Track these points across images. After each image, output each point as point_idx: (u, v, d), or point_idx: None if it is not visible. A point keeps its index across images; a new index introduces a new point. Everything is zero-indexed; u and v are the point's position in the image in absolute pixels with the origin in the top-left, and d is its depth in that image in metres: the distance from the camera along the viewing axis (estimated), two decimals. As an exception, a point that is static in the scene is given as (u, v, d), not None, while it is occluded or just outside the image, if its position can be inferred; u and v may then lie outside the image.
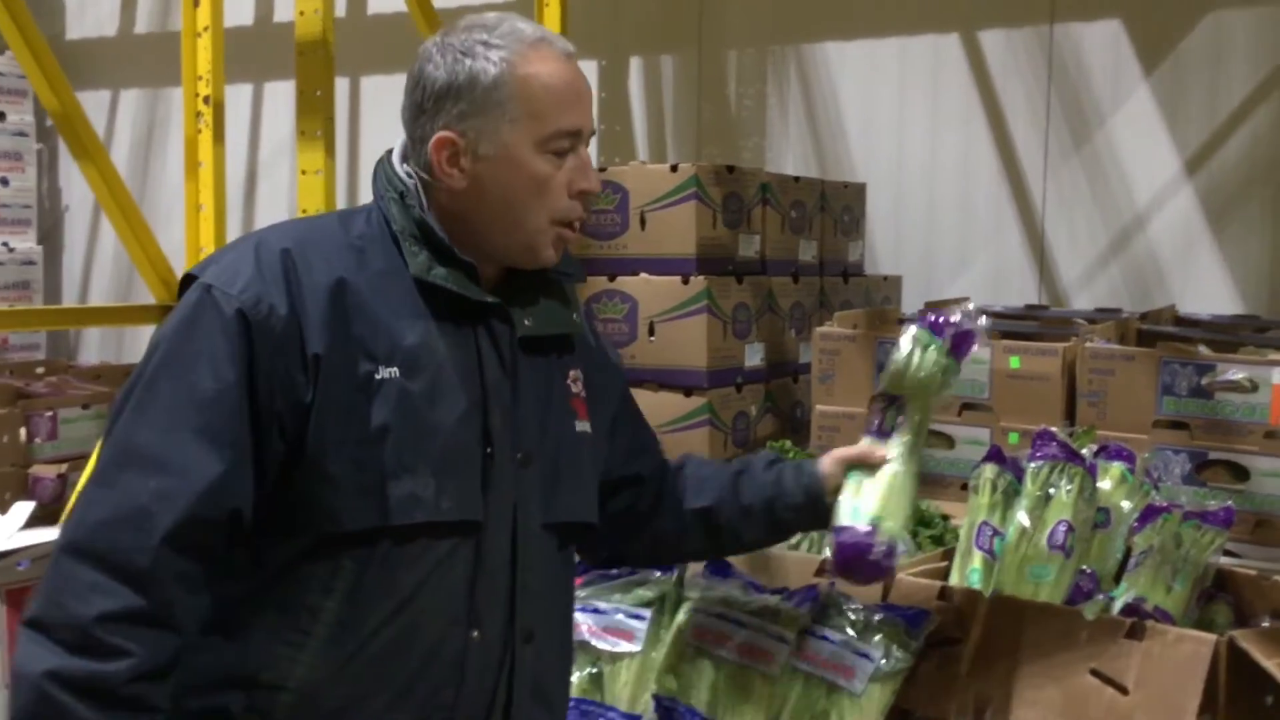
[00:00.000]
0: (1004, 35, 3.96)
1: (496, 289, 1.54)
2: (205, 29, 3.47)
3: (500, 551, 1.49)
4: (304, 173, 3.39)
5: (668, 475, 1.83)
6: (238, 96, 5.28)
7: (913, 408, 1.84)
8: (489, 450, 1.47)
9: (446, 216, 1.51)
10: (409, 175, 1.52)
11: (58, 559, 1.33)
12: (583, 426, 1.62)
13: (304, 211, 3.40)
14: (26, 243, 5.93)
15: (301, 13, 3.34)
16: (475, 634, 1.47)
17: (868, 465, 1.78)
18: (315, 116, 3.36)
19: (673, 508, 1.80)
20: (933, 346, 1.85)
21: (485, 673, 1.48)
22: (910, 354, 1.85)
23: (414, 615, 1.43)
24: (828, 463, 1.81)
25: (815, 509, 1.78)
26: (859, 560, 1.73)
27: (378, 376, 1.41)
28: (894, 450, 1.80)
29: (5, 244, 5.83)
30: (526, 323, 1.54)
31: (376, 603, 1.41)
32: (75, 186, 6.29)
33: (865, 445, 1.82)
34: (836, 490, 1.77)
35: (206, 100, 3.48)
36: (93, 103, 5.60)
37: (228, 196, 3.59)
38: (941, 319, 1.86)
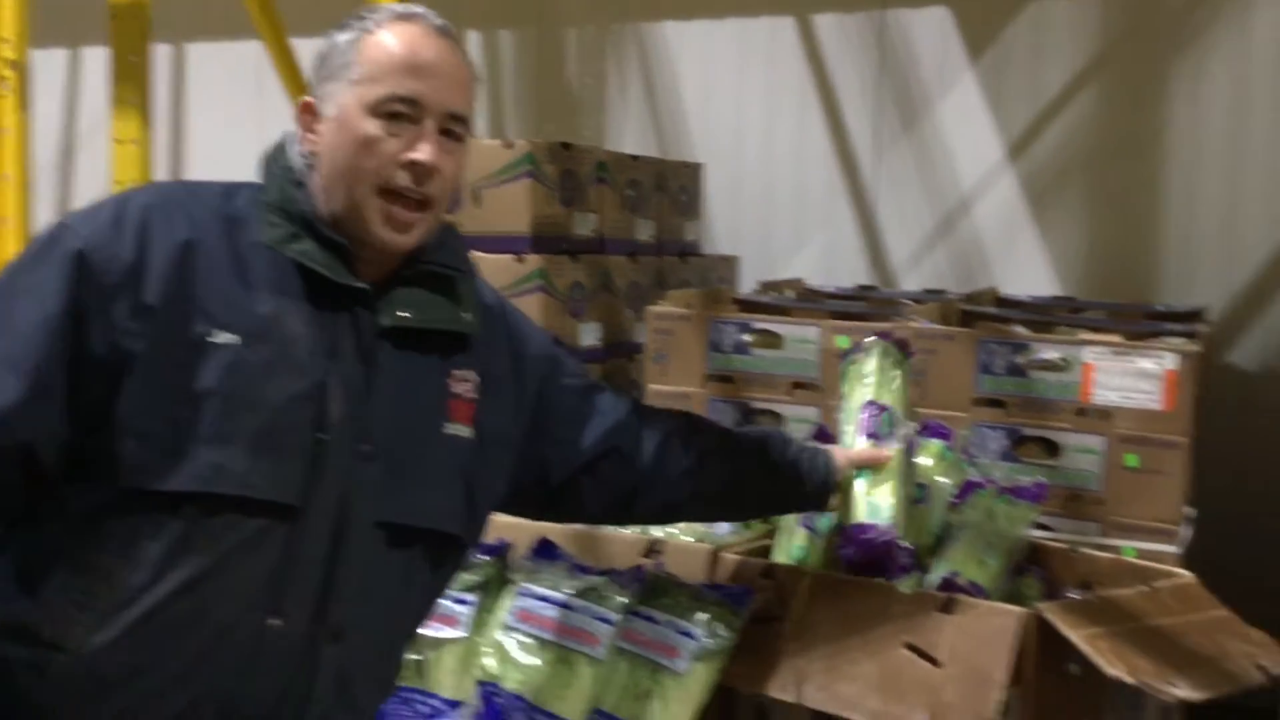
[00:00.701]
0: (837, 20, 4.02)
1: (382, 279, 1.50)
2: (8, -13, 3.25)
3: (317, 542, 1.43)
4: (119, 142, 3.23)
5: (652, 443, 1.78)
6: (52, 62, 5.01)
7: (900, 414, 1.97)
8: (321, 437, 1.42)
9: (321, 197, 1.49)
10: (302, 155, 1.51)
11: None
12: (457, 430, 1.56)
13: (119, 184, 3.24)
14: None
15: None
16: (275, 623, 1.41)
17: (874, 467, 1.88)
18: (130, 84, 3.21)
19: (668, 479, 1.79)
20: (904, 363, 2.05)
21: (281, 665, 1.42)
22: (882, 367, 2.02)
23: (208, 592, 1.37)
24: (839, 459, 1.88)
25: (821, 500, 1.90)
26: (883, 559, 1.85)
27: (211, 340, 1.37)
28: (894, 453, 1.91)
29: None
30: (402, 314, 1.49)
31: (171, 573, 1.36)
32: None
33: (871, 449, 1.91)
34: (841, 486, 1.88)
35: (11, 64, 3.27)
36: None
37: (43, 166, 3.40)
38: (894, 336, 2.08)
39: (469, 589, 2.07)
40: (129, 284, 1.36)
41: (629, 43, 4.34)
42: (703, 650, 1.91)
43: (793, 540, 2.13)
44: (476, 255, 3.11)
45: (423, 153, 1.45)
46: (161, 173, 4.67)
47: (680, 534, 2.19)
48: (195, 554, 1.36)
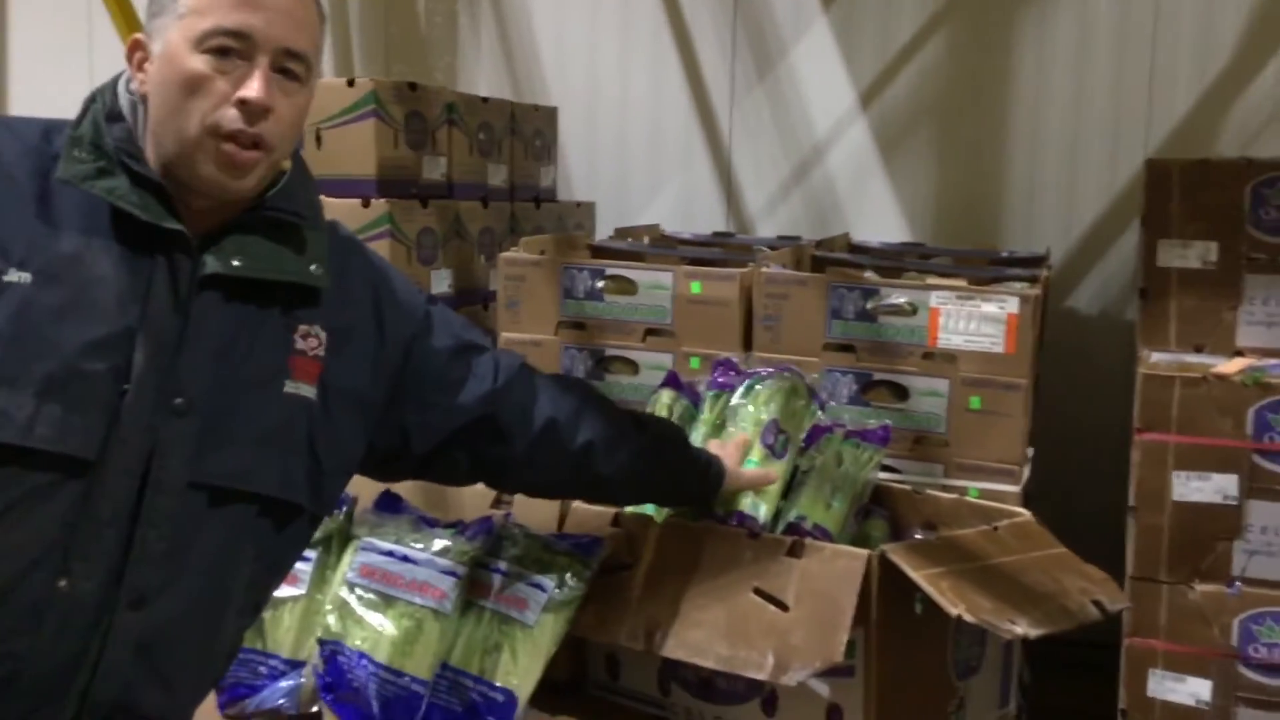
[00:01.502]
0: (694, -38, 3.97)
1: (216, 226, 1.41)
2: None
3: (116, 500, 1.34)
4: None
5: (535, 418, 1.72)
6: None
7: (795, 439, 2.11)
8: (125, 388, 1.33)
9: (149, 138, 1.40)
10: (128, 94, 1.43)
11: None
12: (299, 389, 1.47)
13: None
14: None
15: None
16: (63, 583, 1.32)
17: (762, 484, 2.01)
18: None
19: (545, 459, 1.74)
20: (801, 389, 2.16)
21: (70, 629, 1.33)
22: (789, 397, 2.12)
23: None
24: (730, 476, 1.95)
25: (704, 504, 1.97)
26: None
27: (3, 278, 1.30)
28: (781, 469, 2.05)
29: None
30: (235, 263, 1.40)
31: None
32: None
33: (762, 470, 2.01)
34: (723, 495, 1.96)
35: None
36: None
37: None
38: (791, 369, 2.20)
39: (310, 545, 2.00)
40: None
41: (481, -19, 4.22)
42: (552, 601, 1.89)
43: (643, 488, 2.12)
44: (322, 200, 3.03)
45: (252, 90, 1.35)
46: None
47: (530, 484, 2.15)
48: None
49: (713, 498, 1.94)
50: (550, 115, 3.83)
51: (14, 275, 1.30)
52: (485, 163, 3.46)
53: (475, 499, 2.11)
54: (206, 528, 1.41)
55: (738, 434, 2.03)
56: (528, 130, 3.68)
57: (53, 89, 4.29)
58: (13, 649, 1.30)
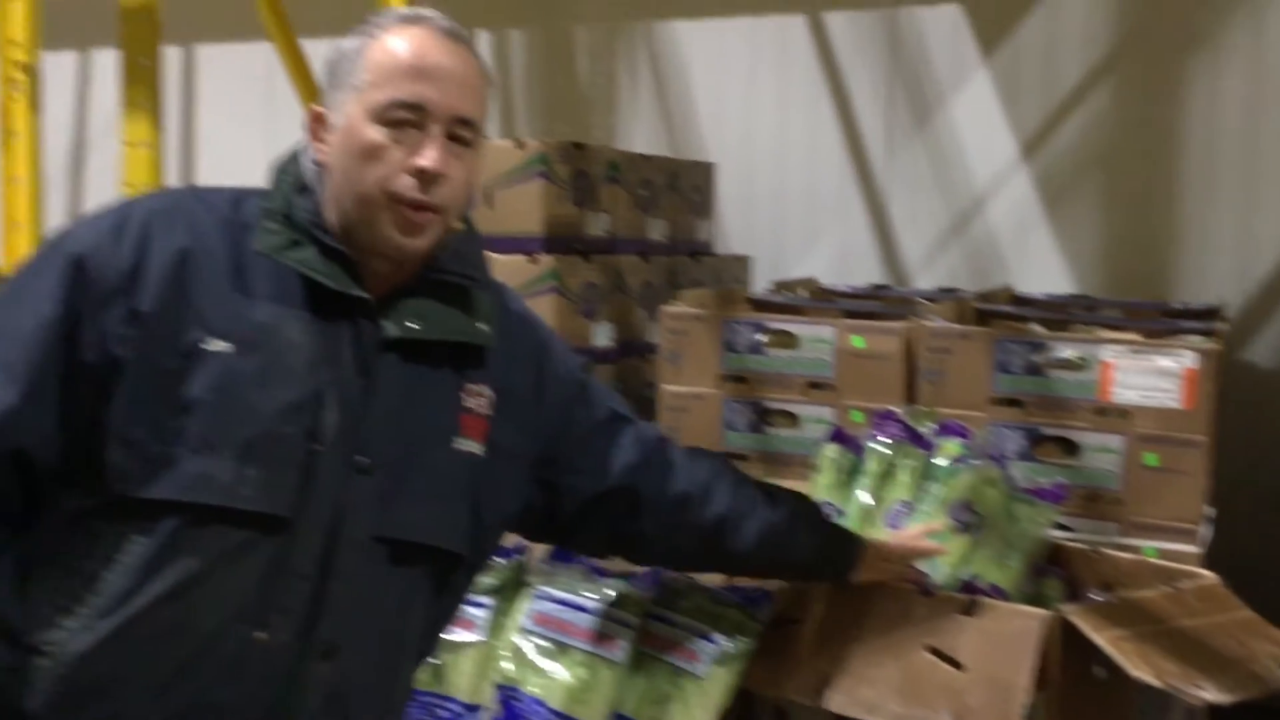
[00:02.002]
0: (849, 18, 4.00)
1: (391, 290, 1.47)
2: (19, -9, 3.25)
3: (309, 555, 1.40)
4: (130, 145, 3.22)
5: (671, 493, 1.74)
6: (62, 65, 5.01)
7: (985, 518, 2.09)
8: (315, 448, 1.39)
9: (330, 206, 1.47)
10: (313, 163, 1.49)
11: None
12: (467, 445, 1.52)
13: (130, 187, 3.24)
14: None
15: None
16: (261, 635, 1.38)
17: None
18: (141, 86, 3.20)
19: (678, 535, 1.76)
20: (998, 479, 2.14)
21: (267, 680, 1.39)
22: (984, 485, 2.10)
23: (193, 602, 1.35)
24: (871, 549, 1.88)
25: (839, 579, 1.90)
26: None
27: (204, 347, 1.36)
28: (962, 544, 2.03)
29: None
30: (410, 325, 1.46)
31: (156, 581, 1.34)
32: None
33: (929, 542, 1.97)
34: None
35: (22, 67, 3.27)
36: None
37: (51, 168, 3.40)
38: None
39: (486, 592, 2.06)
40: (124, 290, 1.36)
41: (639, 41, 4.33)
42: (722, 654, 1.90)
43: (811, 542, 2.12)
44: (489, 257, 3.13)
45: (427, 159, 1.41)
46: (172, 176, 4.67)
47: (698, 536, 2.17)
48: (180, 563, 1.35)
49: (848, 574, 1.86)
50: (708, 170, 3.89)
51: (216, 345, 1.36)
52: (645, 218, 3.53)
53: (644, 550, 2.14)
54: (387, 580, 1.46)
55: (925, 516, 2.03)
56: (686, 185, 3.74)
57: (236, 152, 4.55)
58: (215, 699, 1.36)
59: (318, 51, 4.31)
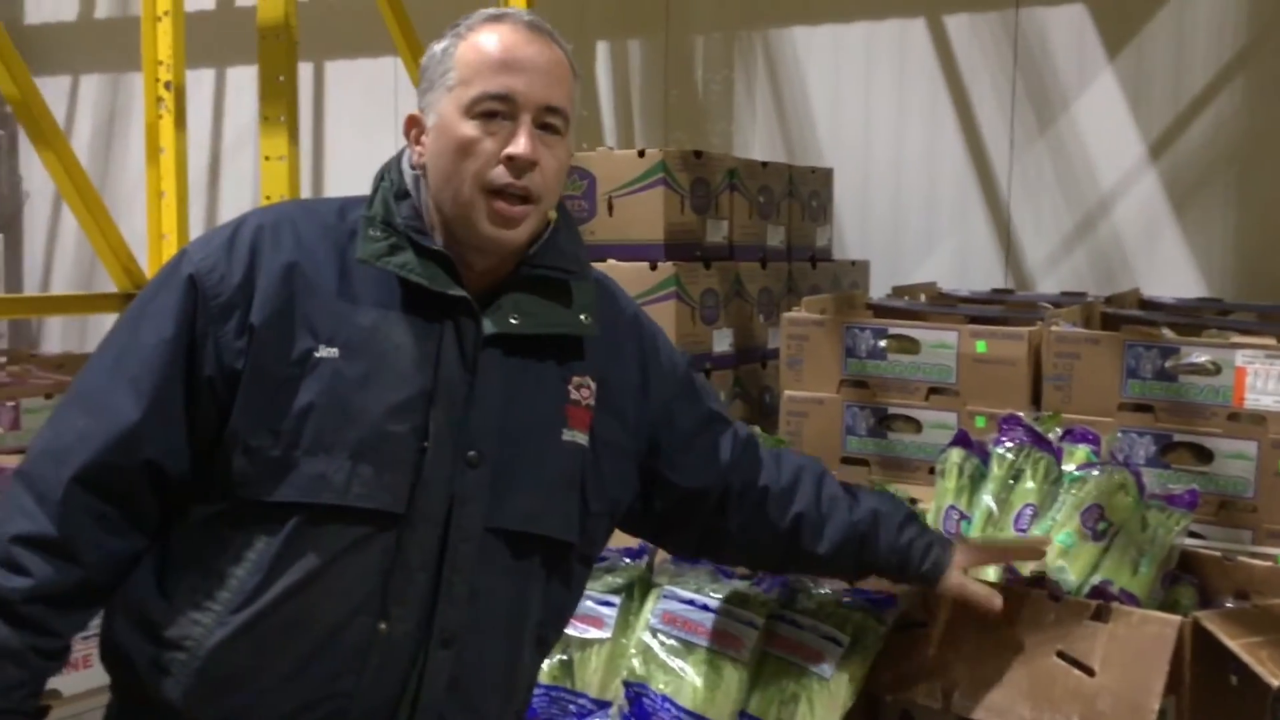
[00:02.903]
0: (969, 20, 3.97)
1: (492, 286, 1.51)
2: (165, 13, 3.42)
3: (425, 549, 1.45)
4: (267, 159, 3.36)
5: (755, 496, 1.76)
6: (200, 82, 5.23)
7: (1116, 525, 2.07)
8: (424, 445, 1.44)
9: (431, 206, 1.51)
10: (411, 168, 1.54)
11: (12, 478, 1.43)
12: (573, 437, 1.56)
13: (267, 198, 3.37)
14: (-14, 231, 5.87)
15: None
16: (383, 626, 1.44)
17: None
18: (278, 102, 3.33)
19: (763, 536, 1.78)
20: (1130, 485, 2.10)
21: (390, 668, 1.44)
22: (1116, 491, 2.07)
23: (316, 596, 1.41)
24: (959, 558, 1.84)
25: (926, 581, 1.86)
26: None
27: (316, 354, 1.42)
28: (1091, 552, 2.02)
29: (-36, 232, 5.76)
30: (512, 321, 1.50)
31: (281, 577, 1.41)
32: (36, 173, 6.20)
33: (1030, 540, 1.99)
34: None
35: (168, 86, 3.43)
36: (52, 89, 5.52)
37: (191, 183, 3.55)
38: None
39: (613, 591, 2.11)
40: (237, 304, 1.42)
41: (756, 48, 4.35)
42: (847, 656, 1.91)
43: (936, 546, 2.12)
44: (611, 264, 3.19)
45: (518, 146, 1.45)
46: (306, 188, 4.83)
47: (822, 539, 2.19)
48: (303, 559, 1.41)
49: (935, 579, 1.82)
50: (826, 176, 3.90)
51: (324, 351, 1.42)
52: (764, 225, 3.56)
53: (768, 552, 2.17)
54: (502, 569, 1.51)
55: (1053, 520, 2.02)
56: (804, 192, 3.76)
57: (362, 160, 4.69)
58: (342, 688, 1.42)
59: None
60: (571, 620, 2.08)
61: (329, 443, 1.40)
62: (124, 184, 5.65)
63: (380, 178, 1.55)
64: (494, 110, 1.45)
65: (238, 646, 1.41)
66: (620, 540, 2.24)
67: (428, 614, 1.45)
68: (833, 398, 2.87)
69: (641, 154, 3.18)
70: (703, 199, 3.29)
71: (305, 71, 4.93)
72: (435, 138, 1.49)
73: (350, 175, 4.90)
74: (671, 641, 1.99)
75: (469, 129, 1.45)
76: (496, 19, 1.50)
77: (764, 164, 3.61)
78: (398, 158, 1.56)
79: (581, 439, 1.56)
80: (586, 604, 2.10)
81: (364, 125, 5.02)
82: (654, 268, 3.15)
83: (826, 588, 2.01)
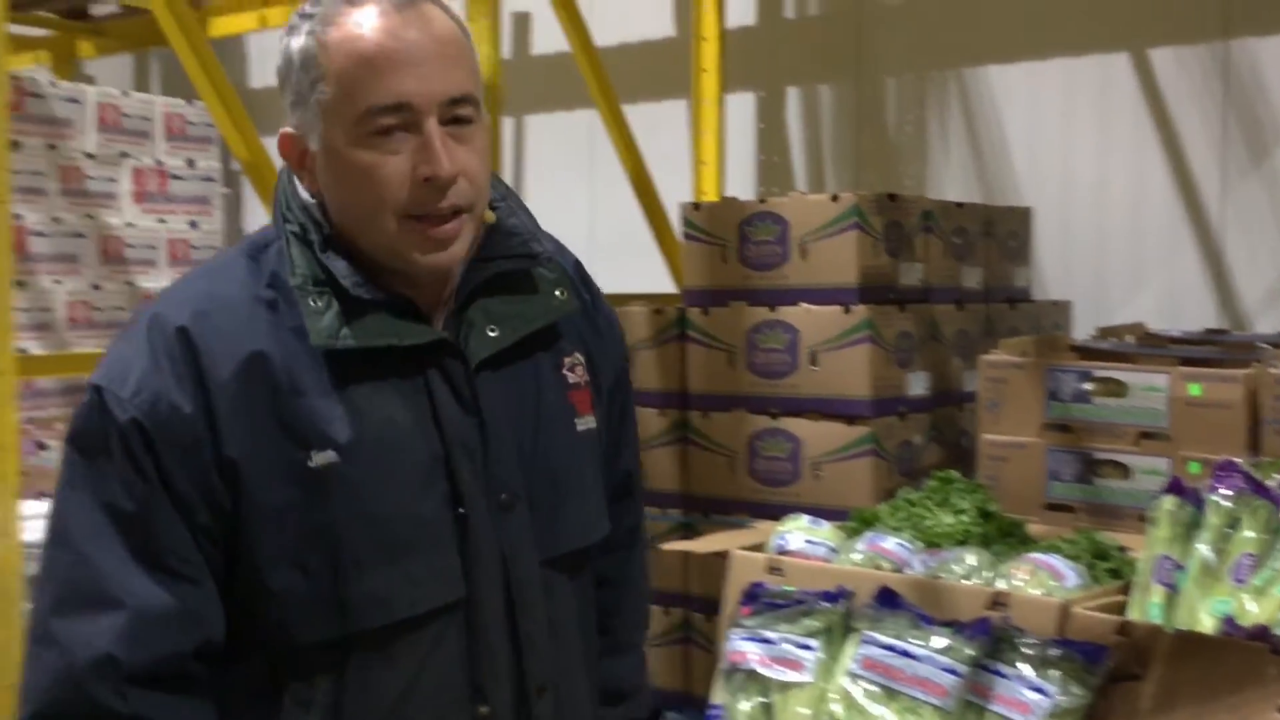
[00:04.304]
0: (1174, 53, 3.85)
1: (448, 302, 1.33)
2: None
3: (494, 613, 1.32)
4: (473, 211, 3.51)
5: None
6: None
7: None
8: (460, 511, 1.29)
9: (344, 241, 1.27)
10: (311, 197, 1.30)
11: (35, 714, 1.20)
12: (585, 423, 1.42)
13: (474, 248, 3.52)
14: (214, 282, 6.27)
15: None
16: (484, 710, 1.32)
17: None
18: (484, 157, 3.48)
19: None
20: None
21: None
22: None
23: (409, 714, 1.28)
24: None
25: None
26: None
27: (311, 464, 1.22)
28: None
29: (195, 284, 6.17)
30: (491, 333, 1.31)
31: (362, 711, 1.26)
32: (256, 227, 6.61)
33: None
34: None
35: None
36: (273, 149, 5.88)
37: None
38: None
39: (811, 634, 2.12)
40: (200, 438, 1.20)
41: (950, 89, 4.31)
42: (1057, 707, 1.87)
43: (1148, 598, 2.05)
44: (804, 308, 3.21)
45: (434, 165, 1.21)
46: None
47: (1027, 587, 2.15)
48: (381, 683, 1.27)
49: None
50: (1024, 216, 3.83)
51: (318, 458, 1.22)
52: (960, 266, 3.52)
53: (970, 600, 2.13)
54: (561, 592, 1.41)
55: (1274, 571, 1.94)
56: (1002, 232, 3.70)
57: (559, 210, 4.84)
58: None
59: (635, 115, 4.55)
60: (771, 662, 2.11)
61: (363, 558, 1.23)
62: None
63: (282, 219, 1.30)
64: (389, 125, 1.21)
65: None
66: (818, 583, 2.25)
67: (518, 674, 1.35)
68: (1034, 442, 2.81)
69: (835, 198, 3.20)
70: (897, 241, 3.28)
71: (507, 125, 5.12)
72: (325, 167, 1.25)
73: (546, 222, 5.06)
74: (873, 688, 1.99)
75: (364, 155, 1.21)
76: (356, 1, 1.23)
77: (959, 204, 3.58)
78: (289, 189, 1.31)
79: (592, 422, 1.44)
80: (785, 647, 2.12)
81: (559, 170, 5.16)
82: (847, 311, 3.15)
83: (1035, 637, 1.97)
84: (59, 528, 1.23)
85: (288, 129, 1.28)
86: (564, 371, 1.41)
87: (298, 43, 1.25)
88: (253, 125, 3.64)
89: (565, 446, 1.40)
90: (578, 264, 1.51)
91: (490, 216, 1.36)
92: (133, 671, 1.18)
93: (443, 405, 1.29)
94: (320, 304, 1.24)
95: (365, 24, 1.21)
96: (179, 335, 1.22)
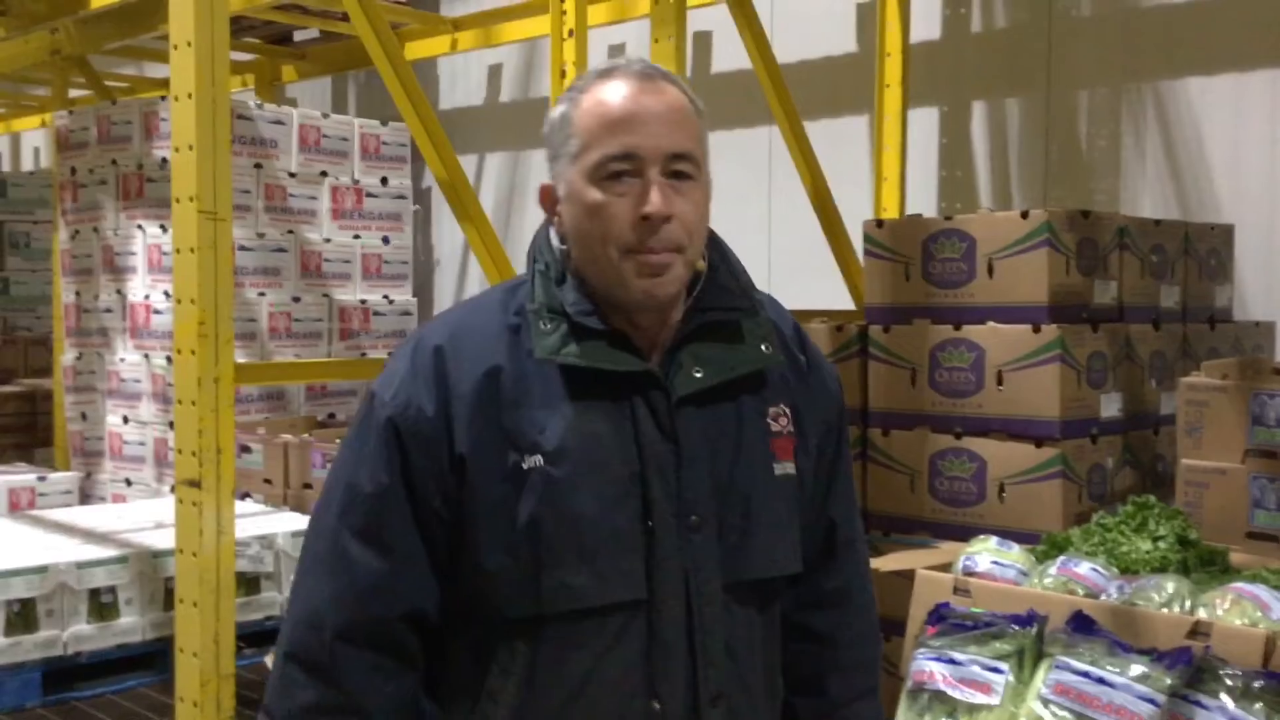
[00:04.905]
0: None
1: (664, 344, 1.49)
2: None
3: (674, 621, 1.44)
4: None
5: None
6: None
7: None
8: (649, 524, 1.43)
9: (582, 278, 1.47)
10: (559, 242, 1.51)
11: (277, 657, 1.47)
12: (784, 469, 1.53)
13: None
14: (404, 295, 6.54)
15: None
16: (656, 705, 1.44)
17: None
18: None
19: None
20: None
21: None
22: None
23: (591, 694, 1.43)
24: None
25: None
26: None
27: (524, 466, 1.41)
28: None
29: (386, 296, 6.44)
30: (697, 374, 1.46)
31: (552, 683, 1.43)
32: (445, 242, 6.86)
33: None
34: None
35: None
36: (468, 166, 6.10)
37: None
38: None
39: (1002, 657, 2.09)
40: (439, 436, 1.42)
41: (1146, 102, 4.18)
42: (1262, 741, 1.80)
43: (1365, 633, 1.96)
44: (991, 326, 3.16)
45: (650, 205, 1.39)
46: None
47: (1229, 616, 2.07)
48: (568, 664, 1.42)
49: None
50: (1226, 233, 3.68)
51: (530, 461, 1.40)
52: (1157, 285, 3.41)
53: (1169, 629, 2.08)
54: (747, 619, 1.50)
55: None
56: (1202, 250, 3.57)
57: (737, 221, 4.88)
58: None
59: (815, 132, 4.55)
60: (958, 684, 2.10)
61: (560, 551, 1.41)
62: (522, 251, 6.12)
63: (533, 259, 1.52)
64: (619, 170, 1.40)
65: None
66: (1008, 606, 2.22)
67: (692, 681, 1.45)
68: (1237, 468, 2.71)
69: (1024, 215, 3.15)
70: (1090, 259, 3.20)
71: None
72: (568, 207, 1.45)
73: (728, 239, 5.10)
74: (1064, 713, 1.95)
75: (597, 195, 1.41)
76: (606, 74, 1.46)
77: (1157, 222, 3.47)
78: (545, 234, 1.53)
79: (791, 469, 1.53)
80: (974, 669, 2.10)
81: (738, 195, 5.21)
82: (1037, 330, 3.09)
83: (1237, 667, 1.91)
84: (321, 500, 1.49)
85: (546, 181, 1.51)
86: (768, 420, 1.52)
87: (560, 110, 1.48)
88: (451, 147, 3.78)
89: (761, 483, 1.50)
90: (797, 327, 1.64)
91: (702, 265, 1.51)
92: (339, 630, 1.41)
93: (644, 429, 1.44)
94: (549, 326, 1.45)
95: (611, 92, 1.44)
96: (435, 352, 1.45)
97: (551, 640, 1.42)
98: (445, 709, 1.47)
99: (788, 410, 1.54)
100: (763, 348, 1.52)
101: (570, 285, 1.47)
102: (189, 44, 2.81)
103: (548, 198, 1.50)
